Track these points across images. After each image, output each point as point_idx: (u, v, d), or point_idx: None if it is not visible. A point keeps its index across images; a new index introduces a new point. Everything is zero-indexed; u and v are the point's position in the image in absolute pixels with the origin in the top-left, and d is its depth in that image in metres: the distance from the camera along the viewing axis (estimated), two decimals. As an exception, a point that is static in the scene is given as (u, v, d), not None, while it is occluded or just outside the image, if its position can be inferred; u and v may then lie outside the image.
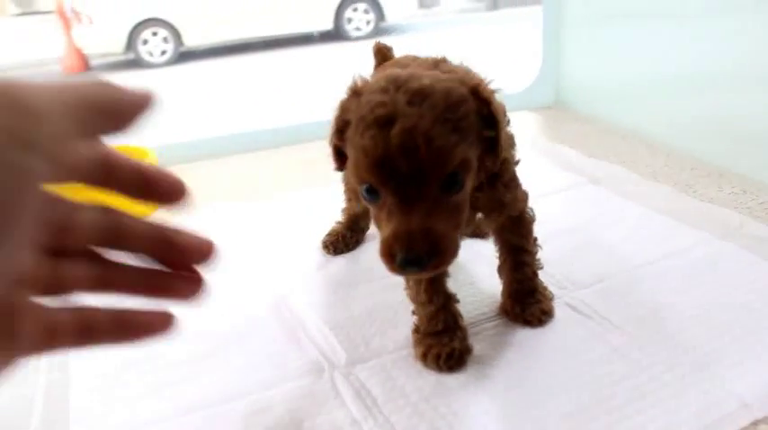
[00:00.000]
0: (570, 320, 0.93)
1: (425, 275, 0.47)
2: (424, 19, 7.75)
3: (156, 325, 0.37)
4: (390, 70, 0.60)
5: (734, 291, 0.96)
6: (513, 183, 0.84)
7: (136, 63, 6.28)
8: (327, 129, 0.64)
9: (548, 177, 1.42)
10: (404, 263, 0.49)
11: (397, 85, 0.54)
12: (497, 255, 0.94)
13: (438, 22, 7.67)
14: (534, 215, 0.93)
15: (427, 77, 0.56)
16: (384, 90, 0.54)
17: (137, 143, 1.60)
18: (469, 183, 0.58)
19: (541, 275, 1.01)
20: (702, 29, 1.44)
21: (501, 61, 3.11)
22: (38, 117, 0.28)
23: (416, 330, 0.88)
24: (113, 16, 6.18)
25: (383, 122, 0.51)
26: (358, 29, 6.69)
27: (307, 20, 6.60)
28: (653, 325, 0.89)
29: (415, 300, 0.86)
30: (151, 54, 6.29)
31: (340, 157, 0.64)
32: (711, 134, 1.44)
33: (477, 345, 0.88)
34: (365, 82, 0.61)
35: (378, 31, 6.70)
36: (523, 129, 1.85)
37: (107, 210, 0.35)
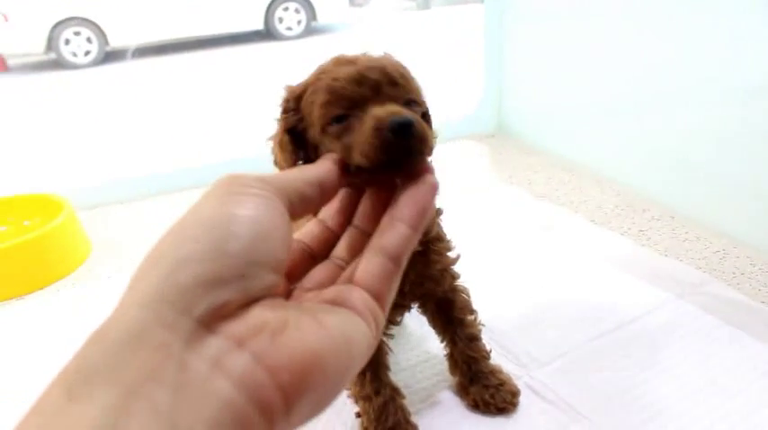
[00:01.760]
0: (532, 406, 0.87)
1: (412, 149, 0.45)
2: (355, 19, 7.64)
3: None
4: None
5: (701, 366, 0.91)
6: (441, 245, 0.79)
7: (59, 64, 5.96)
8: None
9: (496, 226, 1.35)
10: (397, 123, 0.46)
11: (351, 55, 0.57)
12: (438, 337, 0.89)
13: (370, 21, 7.59)
14: (468, 292, 0.87)
15: None
16: (341, 55, 0.57)
17: (48, 191, 1.48)
18: None
19: (499, 351, 0.96)
20: (659, 52, 1.36)
21: (444, 77, 3.09)
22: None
23: None
24: (30, 14, 5.85)
25: (347, 62, 0.54)
26: (289, 28, 6.53)
27: (237, 19, 6.42)
28: (619, 413, 0.83)
29: (359, 395, 0.81)
30: (75, 54, 5.98)
31: (294, 141, 0.63)
32: (663, 173, 1.40)
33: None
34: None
35: (309, 31, 6.58)
36: (468, 161, 1.82)
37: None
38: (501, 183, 1.57)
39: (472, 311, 0.87)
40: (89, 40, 5.97)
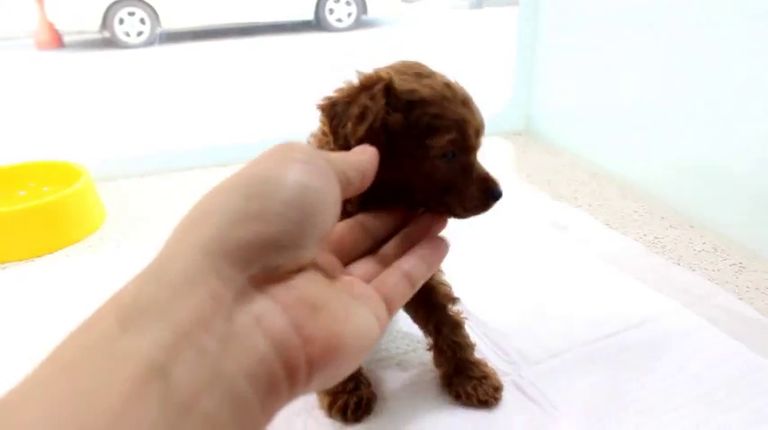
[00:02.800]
0: (515, 404, 0.85)
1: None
2: (405, 15, 7.63)
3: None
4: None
5: (697, 378, 0.87)
6: None
7: (111, 43, 6.11)
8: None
9: (510, 224, 1.32)
10: (498, 193, 0.63)
11: (430, 69, 0.63)
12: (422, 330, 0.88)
13: (420, 18, 7.57)
14: (450, 286, 0.87)
15: None
16: (429, 73, 0.62)
17: (69, 159, 1.50)
18: None
19: (491, 347, 0.94)
20: (692, 60, 1.32)
21: (476, 75, 3.07)
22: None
23: None
24: (90, -8, 6.00)
25: (462, 100, 0.60)
26: (339, 20, 6.57)
27: (288, 8, 6.48)
28: (604, 420, 0.80)
29: None
30: (128, 34, 6.11)
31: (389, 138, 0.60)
32: (687, 181, 1.35)
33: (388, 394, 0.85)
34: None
35: (359, 24, 6.61)
36: (493, 158, 1.78)
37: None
38: (519, 182, 1.54)
39: (455, 301, 0.86)
40: (142, 21, 6.13)
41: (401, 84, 0.60)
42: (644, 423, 0.80)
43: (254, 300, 0.30)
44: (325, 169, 0.36)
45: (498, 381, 0.86)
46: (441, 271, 0.86)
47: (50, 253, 1.33)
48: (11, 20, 6.58)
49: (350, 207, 0.54)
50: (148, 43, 6.12)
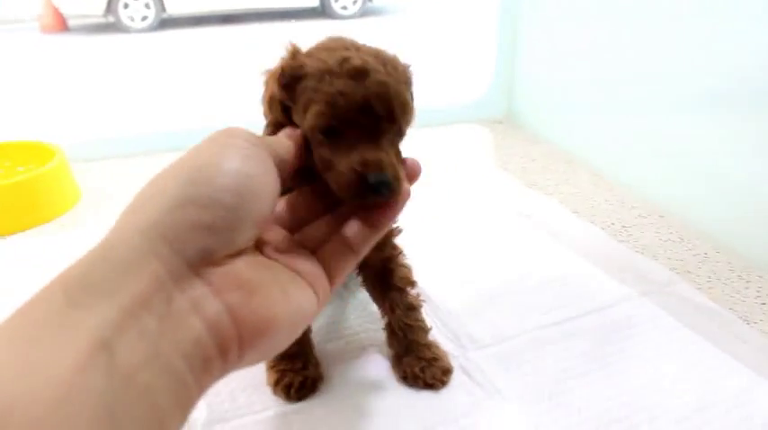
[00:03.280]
0: (458, 385, 0.85)
1: (387, 199, 0.50)
2: (411, 2, 7.59)
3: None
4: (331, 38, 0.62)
5: (647, 366, 0.87)
6: None
7: (116, 27, 6.11)
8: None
9: (475, 210, 1.32)
10: (378, 182, 0.50)
11: (355, 46, 0.58)
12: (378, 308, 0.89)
13: (425, 6, 7.53)
14: (410, 268, 0.86)
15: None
16: (345, 48, 0.57)
17: (42, 139, 1.50)
18: None
19: (441, 329, 0.94)
20: (679, 55, 1.29)
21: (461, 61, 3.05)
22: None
23: None
24: (94, -24, 6.00)
25: (356, 73, 0.54)
26: (344, 8, 6.55)
27: (293, -5, 6.46)
28: (546, 403, 0.81)
29: None
30: (132, 19, 6.12)
31: (280, 110, 0.63)
32: (659, 171, 1.34)
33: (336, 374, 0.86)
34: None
35: (365, 11, 6.58)
36: (472, 146, 1.80)
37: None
38: (494, 169, 1.54)
39: (413, 284, 0.86)
40: (147, 5, 6.11)
41: (293, 62, 0.59)
42: (587, 408, 0.80)
43: (192, 283, 0.31)
44: (263, 156, 0.38)
45: (448, 364, 0.86)
46: (402, 253, 0.85)
47: (22, 231, 1.33)
48: (16, 3, 6.58)
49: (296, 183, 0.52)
50: (152, 28, 6.11)
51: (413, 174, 0.50)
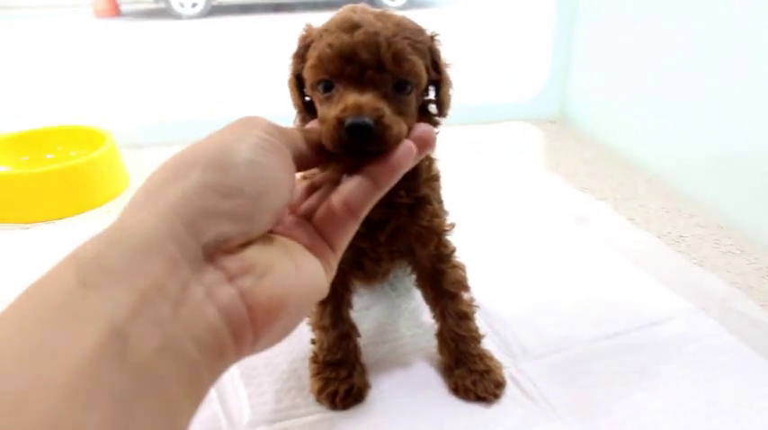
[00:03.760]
0: (510, 399, 0.82)
1: (368, 151, 0.46)
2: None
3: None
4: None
5: (705, 386, 0.84)
6: (428, 207, 0.75)
7: (166, 13, 6.21)
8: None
9: (528, 212, 1.29)
10: (352, 125, 0.48)
11: (362, 8, 0.57)
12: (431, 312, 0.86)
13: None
14: (464, 268, 0.83)
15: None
16: (351, 10, 0.57)
17: (93, 124, 1.52)
18: (414, 100, 0.59)
19: (492, 337, 0.92)
20: (744, 47, 1.23)
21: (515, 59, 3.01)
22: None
23: (314, 359, 0.84)
24: (147, -37, 6.10)
25: (348, 27, 0.54)
26: (392, -1, 6.52)
27: (342, -16, 6.46)
28: (599, 420, 0.78)
29: (317, 325, 0.82)
30: (182, 5, 6.20)
31: (299, 89, 0.65)
32: (719, 179, 1.29)
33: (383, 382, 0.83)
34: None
35: (411, 3, 6.54)
36: (523, 145, 1.76)
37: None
38: (545, 170, 1.50)
39: (466, 288, 0.83)
40: (197, -8, 6.14)
41: (305, 33, 0.62)
42: (643, 428, 0.77)
43: (206, 270, 0.31)
44: (281, 147, 0.38)
45: (501, 377, 0.83)
46: (454, 252, 0.82)
47: (71, 216, 1.35)
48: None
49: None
50: (202, 14, 6.17)
51: (423, 142, 0.46)
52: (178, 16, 6.14)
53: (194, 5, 6.19)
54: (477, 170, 1.47)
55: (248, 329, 0.32)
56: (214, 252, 0.32)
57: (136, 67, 3.47)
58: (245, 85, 2.85)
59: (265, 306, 0.32)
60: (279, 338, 0.35)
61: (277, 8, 6.31)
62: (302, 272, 0.36)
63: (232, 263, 0.32)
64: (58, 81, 3.03)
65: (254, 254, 0.33)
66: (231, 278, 0.32)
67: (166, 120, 1.95)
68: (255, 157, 0.35)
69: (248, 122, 0.38)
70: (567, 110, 1.79)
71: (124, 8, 6.53)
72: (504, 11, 6.49)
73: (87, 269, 0.27)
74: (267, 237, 0.36)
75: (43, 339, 0.24)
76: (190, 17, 6.13)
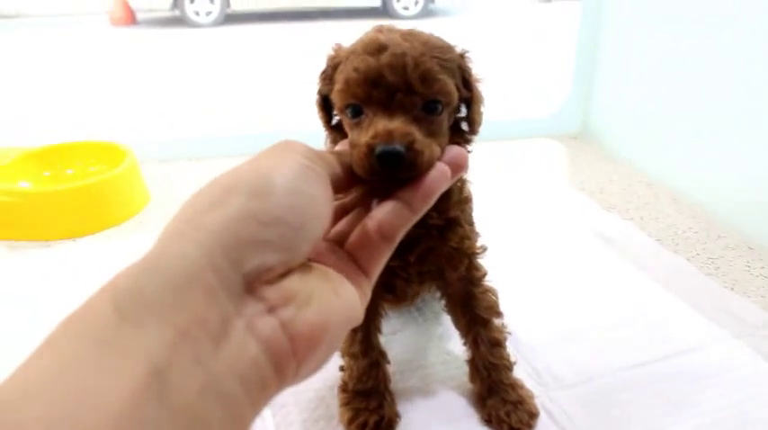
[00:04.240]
0: (540, 426, 0.81)
1: (400, 177, 0.45)
2: (474, 4, 7.55)
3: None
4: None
5: (742, 418, 0.82)
6: (458, 229, 0.74)
7: (182, 21, 6.29)
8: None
9: (554, 233, 1.27)
10: (383, 153, 0.47)
11: (389, 28, 0.57)
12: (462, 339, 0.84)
13: (488, 9, 7.47)
14: (496, 293, 0.82)
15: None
16: (378, 31, 0.56)
17: (109, 135, 1.52)
18: (446, 120, 0.58)
19: (522, 364, 0.90)
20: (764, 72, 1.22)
21: (535, 73, 2.99)
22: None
23: (344, 388, 0.83)
24: (162, -28, 6.17)
25: (374, 49, 0.53)
26: (406, 8, 6.55)
27: (355, -6, 6.50)
28: (636, 455, 0.76)
29: (346, 352, 0.81)
30: (197, 13, 6.27)
31: (326, 109, 0.66)
32: (748, 199, 1.27)
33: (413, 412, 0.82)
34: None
35: (426, 12, 6.57)
36: (545, 161, 1.74)
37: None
38: (570, 188, 1.49)
39: (499, 314, 0.81)
40: (212, 1, 6.23)
41: (332, 54, 0.61)
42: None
43: (246, 301, 0.30)
44: (321, 174, 0.37)
45: (535, 408, 0.82)
46: (486, 275, 0.80)
47: (93, 233, 1.34)
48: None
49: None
50: (217, 23, 6.23)
51: (456, 165, 0.45)
52: (193, 24, 6.20)
53: (209, 14, 6.27)
54: (500, 189, 1.45)
55: (290, 360, 0.31)
56: (254, 282, 0.31)
57: (153, 79, 3.49)
58: (263, 96, 2.85)
59: (307, 335, 0.32)
60: (317, 367, 0.34)
61: (289, 17, 6.35)
62: (341, 298, 0.35)
63: (273, 293, 0.31)
64: (76, 92, 3.04)
65: (294, 283, 0.33)
66: (272, 309, 0.31)
67: (186, 135, 1.95)
68: (297, 185, 0.34)
69: (287, 147, 0.37)
70: (589, 125, 1.77)
71: (140, 16, 6.63)
72: (522, 20, 6.51)
73: (125, 301, 0.27)
74: (304, 264, 0.35)
75: (81, 380, 0.24)
76: (205, 25, 6.18)
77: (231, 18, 6.38)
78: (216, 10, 6.27)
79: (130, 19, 6.54)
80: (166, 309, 0.27)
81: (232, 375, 0.28)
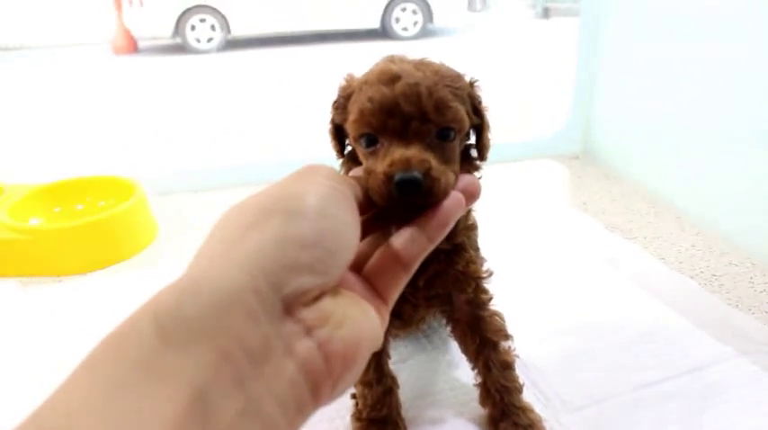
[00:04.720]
0: (550, 451, 0.81)
1: (417, 204, 0.47)
2: (472, 24, 7.61)
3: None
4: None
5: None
6: (465, 254, 0.75)
7: (183, 48, 6.33)
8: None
9: (558, 255, 1.28)
10: (402, 180, 0.48)
11: (401, 58, 0.59)
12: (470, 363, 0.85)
13: (486, 28, 7.52)
14: (502, 317, 0.82)
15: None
16: (390, 61, 0.58)
17: (122, 174, 1.54)
18: (458, 147, 0.60)
19: (529, 387, 0.91)
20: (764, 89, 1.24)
21: (534, 93, 3.01)
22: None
23: (358, 416, 0.83)
24: (163, 0, 6.21)
25: (388, 79, 0.54)
26: (405, 29, 6.60)
27: (355, 17, 6.54)
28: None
29: (360, 380, 0.81)
30: (198, 40, 6.32)
31: (339, 138, 0.68)
32: (751, 216, 1.28)
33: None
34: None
35: (425, 33, 6.62)
36: (547, 182, 1.76)
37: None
38: (572, 209, 1.50)
39: (507, 337, 0.82)
40: (213, 27, 6.29)
41: (345, 84, 0.62)
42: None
43: (284, 323, 0.31)
44: (349, 197, 0.38)
45: (542, 424, 0.83)
46: (492, 299, 0.81)
47: (102, 268, 1.36)
48: (91, 26, 6.88)
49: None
50: (218, 49, 6.27)
51: (470, 194, 0.47)
52: (195, 51, 6.24)
53: (210, 40, 6.31)
54: (504, 211, 1.47)
55: (326, 380, 0.32)
56: (292, 304, 0.31)
57: (157, 107, 3.52)
58: (268, 121, 2.87)
59: (342, 354, 0.32)
60: (347, 388, 0.35)
61: (290, 41, 6.40)
62: (369, 318, 0.36)
63: (309, 314, 0.32)
64: (82, 124, 3.07)
65: (328, 304, 0.33)
66: (309, 330, 0.32)
67: (190, 167, 1.97)
68: (328, 208, 0.35)
69: (314, 170, 0.38)
70: (590, 145, 1.79)
71: (142, 44, 6.69)
72: (521, 38, 6.55)
73: (167, 322, 0.27)
74: (334, 288, 0.35)
75: (125, 405, 0.24)
76: (206, 52, 6.23)
77: (232, 44, 6.43)
78: (217, 36, 6.32)
79: (132, 47, 6.60)
80: (209, 331, 0.27)
81: (271, 397, 0.28)
